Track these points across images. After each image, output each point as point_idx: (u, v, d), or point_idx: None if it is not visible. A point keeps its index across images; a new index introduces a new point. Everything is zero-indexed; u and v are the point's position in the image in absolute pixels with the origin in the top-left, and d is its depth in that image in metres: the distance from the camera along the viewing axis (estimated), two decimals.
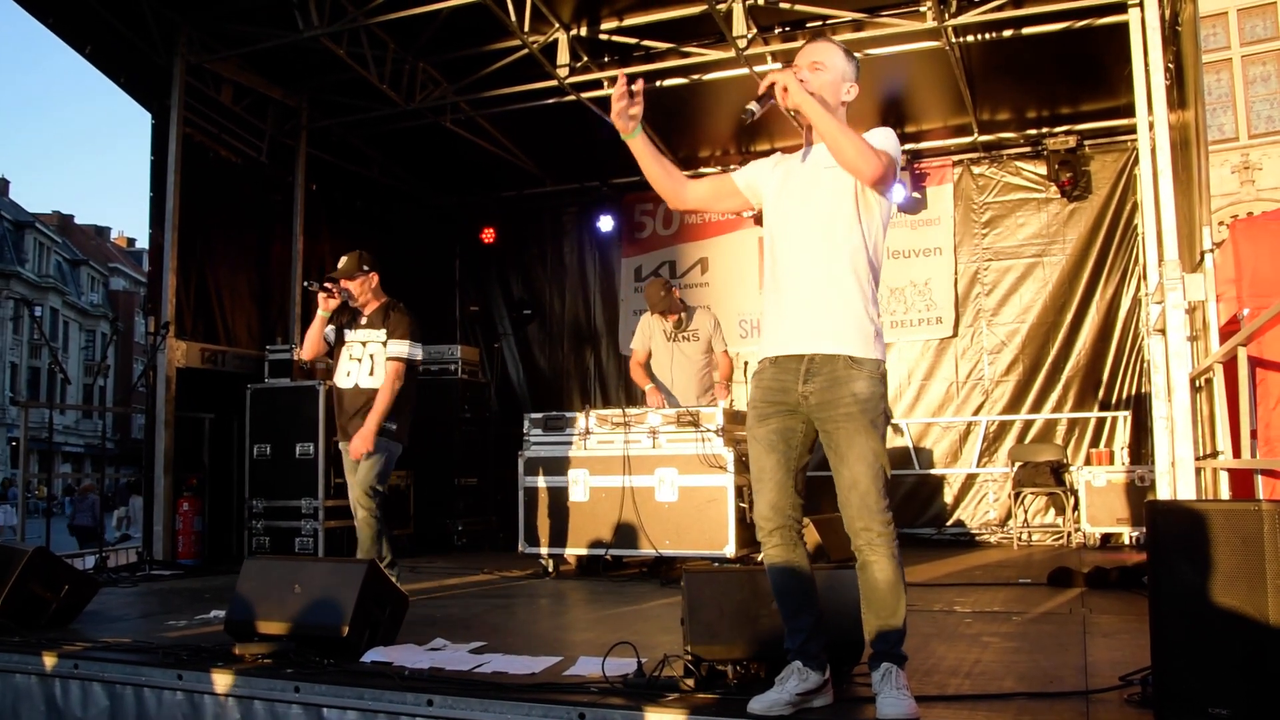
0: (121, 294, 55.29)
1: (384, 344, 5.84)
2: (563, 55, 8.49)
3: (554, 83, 8.72)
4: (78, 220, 57.06)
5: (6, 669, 4.16)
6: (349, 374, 5.90)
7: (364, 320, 5.94)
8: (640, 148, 3.41)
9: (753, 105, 3.22)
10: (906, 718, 2.89)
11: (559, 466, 7.12)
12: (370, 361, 5.87)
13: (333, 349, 6.00)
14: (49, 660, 4.08)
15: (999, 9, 7.51)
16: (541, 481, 7.16)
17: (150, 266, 8.72)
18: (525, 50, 8.29)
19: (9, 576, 4.74)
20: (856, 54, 3.39)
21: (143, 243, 60.22)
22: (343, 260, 5.97)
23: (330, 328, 5.97)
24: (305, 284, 6.07)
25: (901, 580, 3.09)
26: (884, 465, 3.07)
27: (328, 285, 5.87)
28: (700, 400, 7.34)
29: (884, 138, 3.13)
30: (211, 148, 9.16)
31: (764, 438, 3.18)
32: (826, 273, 3.13)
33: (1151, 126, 6.57)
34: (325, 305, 5.86)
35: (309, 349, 5.99)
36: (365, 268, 5.97)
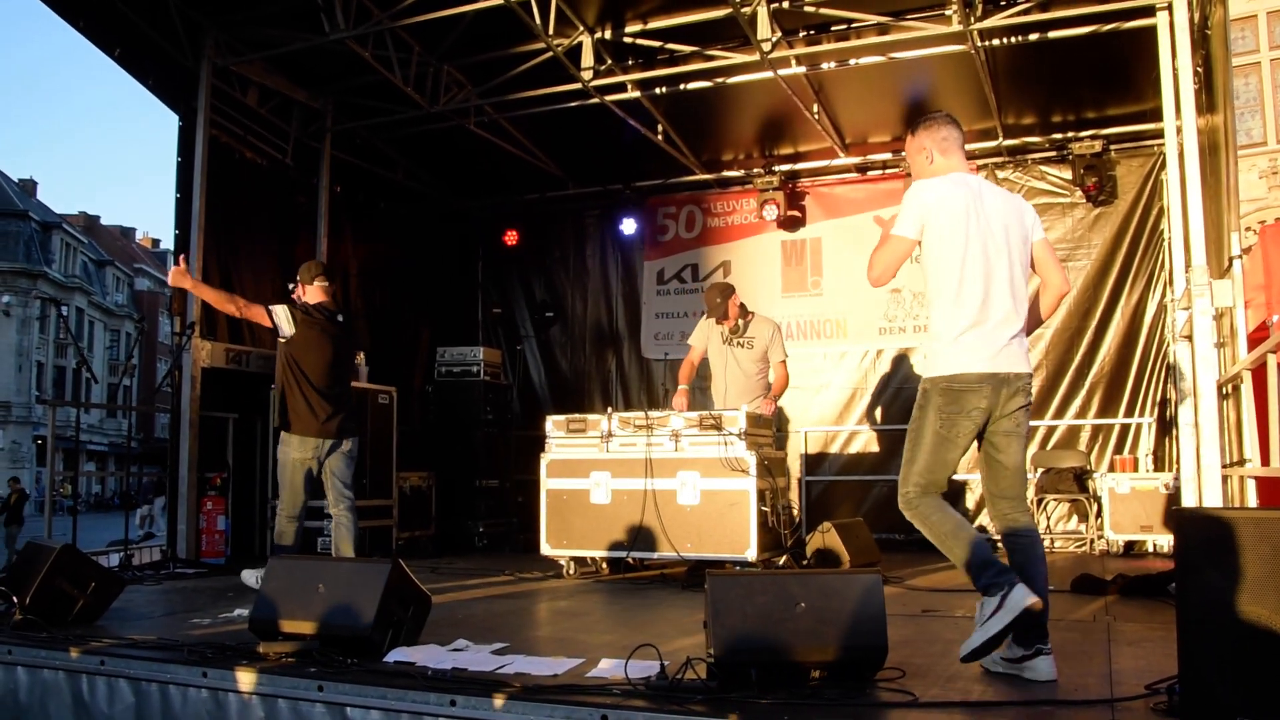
0: (146, 294, 55.78)
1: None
2: (587, 58, 8.50)
3: (578, 86, 8.73)
4: (104, 221, 57.61)
5: (35, 664, 4.20)
6: None
7: None
8: None
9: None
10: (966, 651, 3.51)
11: (581, 469, 7.12)
12: None
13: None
14: (76, 656, 4.12)
15: (1025, 12, 7.47)
16: (563, 484, 7.17)
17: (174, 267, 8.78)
18: (549, 53, 8.30)
19: (37, 573, 4.79)
20: (923, 132, 3.94)
21: (167, 244, 60.72)
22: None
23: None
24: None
25: (944, 537, 3.82)
26: (908, 458, 3.82)
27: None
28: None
29: (896, 221, 3.79)
30: (237, 149, 9.24)
31: None
32: None
33: (1179, 131, 6.52)
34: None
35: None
36: (297, 278, 6.52)
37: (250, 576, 6.20)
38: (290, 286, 6.55)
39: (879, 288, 3.97)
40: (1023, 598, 3.39)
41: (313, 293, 6.40)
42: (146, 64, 8.47)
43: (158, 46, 8.34)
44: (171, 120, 8.73)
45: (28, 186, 49.79)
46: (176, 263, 6.30)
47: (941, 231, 3.67)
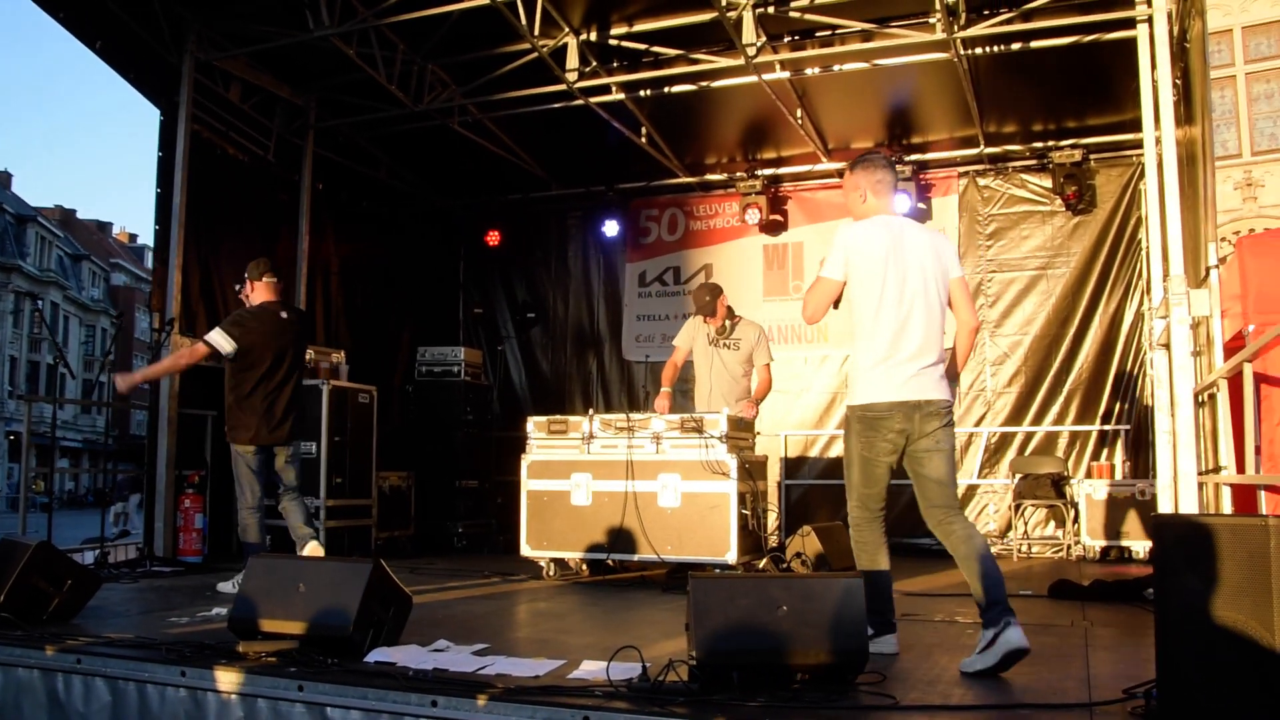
0: (122, 289, 55.33)
1: None
2: (572, 60, 8.50)
3: (563, 87, 8.72)
4: (80, 215, 57.11)
5: (9, 663, 4.16)
6: None
7: None
8: None
9: None
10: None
11: (561, 470, 7.12)
12: None
13: None
14: (52, 654, 4.08)
15: (1008, 22, 7.53)
16: (544, 485, 7.16)
17: (155, 262, 8.72)
18: (535, 54, 8.30)
19: (12, 570, 4.74)
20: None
21: (144, 238, 60.41)
22: None
23: None
24: None
25: (862, 566, 4.30)
26: (846, 479, 4.39)
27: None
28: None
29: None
30: (219, 145, 9.18)
31: None
32: None
33: (1158, 141, 6.58)
34: None
35: None
36: (245, 275, 6.55)
37: (227, 585, 6.24)
38: (238, 287, 6.63)
39: (813, 324, 4.57)
40: (888, 649, 4.12)
41: (261, 289, 6.50)
42: (128, 57, 8.39)
43: (140, 40, 8.27)
44: (152, 115, 8.69)
45: (2, 179, 49.26)
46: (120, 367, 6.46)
47: (861, 273, 4.13)
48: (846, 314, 4.32)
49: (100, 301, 52.75)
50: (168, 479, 8.07)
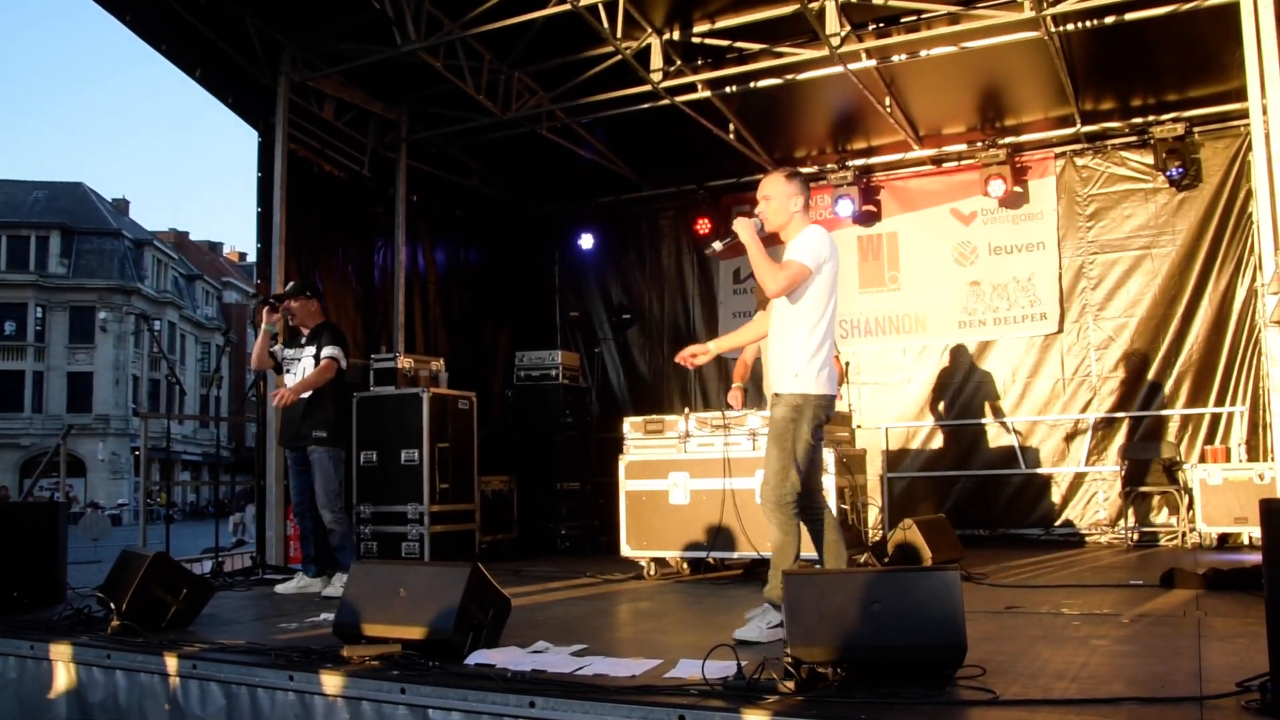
0: (234, 307, 57.21)
1: (315, 357, 6.62)
2: (656, 60, 8.52)
3: (648, 88, 8.75)
4: (192, 237, 59.27)
5: (132, 668, 4.36)
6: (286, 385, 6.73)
7: (303, 339, 6.77)
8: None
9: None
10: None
11: (659, 470, 7.15)
12: (301, 373, 6.65)
13: (280, 367, 6.89)
14: (170, 660, 4.25)
15: None
16: (642, 485, 7.20)
17: (258, 279, 9.00)
18: (619, 56, 8.34)
19: (132, 579, 4.96)
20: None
21: (253, 257, 62.30)
22: (290, 284, 7.14)
23: (278, 346, 6.87)
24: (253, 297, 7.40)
25: (786, 553, 4.51)
26: (776, 469, 4.46)
27: (270, 301, 6.78)
28: None
29: (796, 250, 4.49)
30: (315, 162, 9.42)
31: None
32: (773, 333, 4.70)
33: (1265, 110, 6.32)
34: (268, 319, 6.75)
35: (255, 360, 6.89)
36: (308, 292, 6.86)
37: (332, 590, 6.44)
38: (275, 300, 6.86)
39: (772, 298, 4.60)
40: None
41: (319, 309, 6.90)
42: (226, 82, 8.69)
43: (236, 65, 8.56)
44: (253, 135, 8.94)
45: (120, 206, 51.42)
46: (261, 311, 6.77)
47: (828, 274, 4.53)
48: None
49: (214, 319, 54.64)
50: (277, 491, 8.31)
